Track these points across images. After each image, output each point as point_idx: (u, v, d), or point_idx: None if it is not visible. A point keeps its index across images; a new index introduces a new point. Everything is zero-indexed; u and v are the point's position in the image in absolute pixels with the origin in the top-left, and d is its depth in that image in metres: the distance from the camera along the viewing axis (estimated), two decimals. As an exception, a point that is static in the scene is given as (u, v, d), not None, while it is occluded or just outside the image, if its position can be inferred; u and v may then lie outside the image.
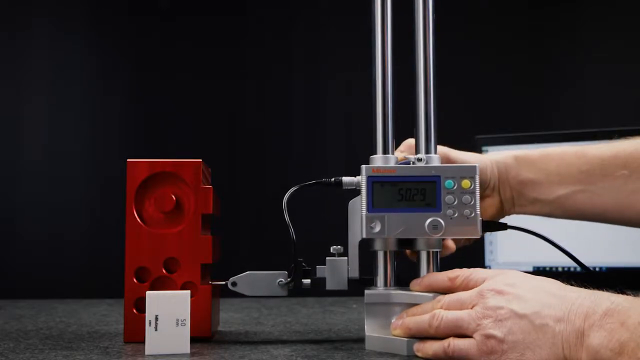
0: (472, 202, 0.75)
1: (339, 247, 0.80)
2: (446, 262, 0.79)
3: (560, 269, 1.37)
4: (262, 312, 1.18)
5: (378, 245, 0.78)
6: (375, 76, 0.80)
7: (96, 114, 1.84)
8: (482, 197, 0.85)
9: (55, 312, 1.18)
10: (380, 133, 0.79)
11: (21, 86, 1.83)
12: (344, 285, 0.80)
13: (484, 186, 0.85)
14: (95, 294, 1.46)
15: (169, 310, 0.72)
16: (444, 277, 0.72)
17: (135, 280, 0.81)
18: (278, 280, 0.80)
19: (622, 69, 1.82)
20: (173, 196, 0.82)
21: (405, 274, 0.79)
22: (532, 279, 0.67)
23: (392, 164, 0.78)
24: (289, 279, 0.80)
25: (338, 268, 0.79)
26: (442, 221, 0.75)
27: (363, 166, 0.76)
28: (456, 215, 0.75)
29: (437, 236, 0.75)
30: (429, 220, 0.75)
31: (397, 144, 0.81)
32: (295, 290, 0.81)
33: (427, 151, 0.79)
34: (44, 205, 1.79)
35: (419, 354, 0.70)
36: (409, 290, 0.75)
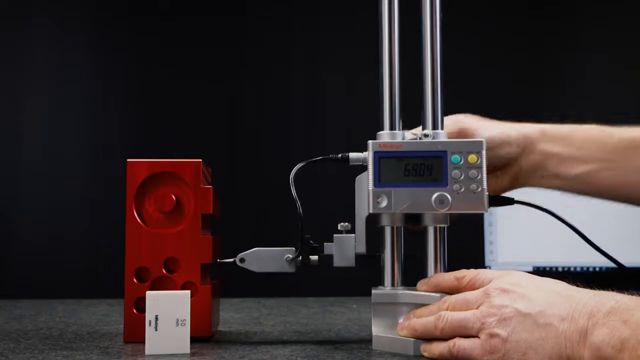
0: (478, 177, 0.75)
1: (346, 224, 0.80)
2: (448, 262, 0.79)
3: (560, 269, 1.37)
4: (262, 312, 1.18)
5: (385, 221, 0.78)
6: (382, 52, 0.80)
7: (96, 114, 1.84)
8: (501, 167, 0.85)
9: (55, 312, 1.18)
10: (387, 109, 0.79)
11: (21, 86, 1.83)
12: (351, 262, 0.80)
13: (502, 155, 0.84)
14: (95, 294, 1.46)
15: (169, 310, 0.72)
16: (450, 277, 0.73)
17: (135, 280, 0.81)
18: (286, 257, 0.81)
19: (622, 69, 1.82)
20: (173, 196, 0.82)
21: (412, 273, 0.79)
22: (539, 280, 0.67)
23: (399, 139, 0.78)
24: (296, 254, 0.80)
25: (345, 244, 0.80)
26: (448, 196, 0.75)
27: (370, 141, 0.77)
28: (463, 190, 0.75)
29: (444, 211, 0.75)
30: (435, 195, 0.75)
31: (403, 120, 0.81)
32: (302, 267, 0.81)
33: (434, 127, 0.79)
34: (44, 205, 1.79)
35: (426, 354, 0.70)
36: (416, 290, 0.75)
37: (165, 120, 1.85)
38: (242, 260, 0.82)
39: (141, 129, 1.84)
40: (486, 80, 1.83)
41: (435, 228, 0.77)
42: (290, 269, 0.81)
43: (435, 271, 0.77)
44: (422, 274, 0.77)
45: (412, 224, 0.79)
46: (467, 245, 1.47)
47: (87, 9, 1.87)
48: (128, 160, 0.83)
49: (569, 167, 0.84)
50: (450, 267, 0.77)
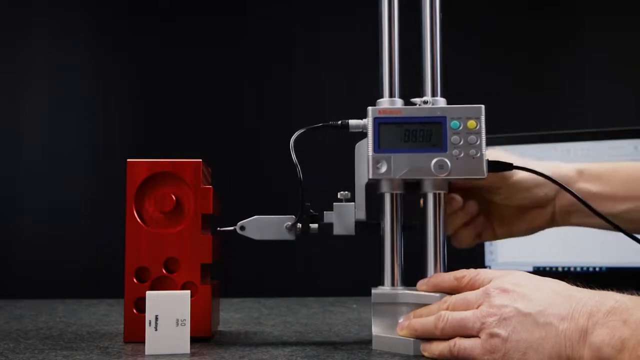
0: (477, 142, 0.75)
1: (346, 192, 0.80)
2: (448, 263, 0.79)
3: (560, 269, 1.37)
4: (262, 312, 1.18)
5: (384, 187, 0.78)
6: (382, 19, 0.80)
7: (96, 114, 1.84)
8: (533, 207, 0.85)
9: (55, 312, 1.18)
10: (387, 76, 0.80)
11: (21, 86, 1.83)
12: (351, 230, 0.80)
13: (539, 196, 0.84)
14: (95, 294, 1.46)
15: (169, 310, 0.72)
16: (450, 277, 0.73)
17: (135, 280, 0.81)
18: (285, 224, 0.81)
19: (622, 69, 1.82)
20: (173, 196, 0.82)
21: (411, 273, 0.79)
22: (539, 279, 0.67)
23: (398, 106, 0.78)
24: (296, 221, 0.80)
25: (345, 213, 0.80)
26: (448, 161, 0.75)
27: (369, 108, 0.77)
28: (462, 155, 0.75)
29: (443, 176, 0.75)
30: (434, 160, 0.75)
31: (403, 88, 0.81)
32: (303, 236, 0.81)
33: (433, 94, 0.79)
34: (44, 205, 1.79)
35: (426, 354, 0.70)
36: (416, 289, 0.75)
37: (165, 120, 1.85)
38: (242, 228, 0.82)
39: (141, 129, 1.84)
40: (486, 80, 1.83)
41: (434, 194, 0.77)
42: (290, 236, 0.81)
43: (435, 269, 0.77)
44: (422, 273, 0.77)
45: (411, 191, 0.79)
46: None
47: (87, 9, 1.87)
48: (128, 160, 0.83)
49: (610, 206, 0.83)
50: (450, 267, 0.77)
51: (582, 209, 0.81)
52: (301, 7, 1.90)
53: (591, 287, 0.64)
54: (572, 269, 1.36)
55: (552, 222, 0.87)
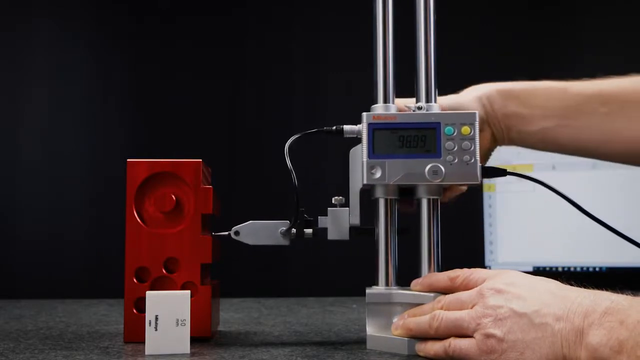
0: (471, 148, 0.76)
1: (340, 197, 0.80)
2: (446, 263, 0.79)
3: (560, 269, 1.37)
4: (262, 312, 1.18)
5: (379, 193, 0.78)
6: (376, 24, 0.80)
7: (96, 114, 1.84)
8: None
9: (55, 312, 1.18)
10: (381, 82, 0.80)
11: (21, 86, 1.83)
12: (345, 235, 0.80)
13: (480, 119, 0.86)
14: (95, 294, 1.46)
15: (169, 310, 0.72)
16: (444, 276, 0.73)
17: (135, 280, 0.81)
18: (280, 229, 0.81)
19: (622, 69, 1.82)
20: (173, 196, 0.82)
21: (405, 273, 0.79)
22: (532, 279, 0.67)
23: (392, 112, 0.79)
24: (290, 226, 0.80)
25: (339, 218, 0.80)
26: (442, 167, 0.75)
27: (364, 113, 0.78)
28: (456, 161, 0.76)
29: (437, 182, 0.75)
30: (429, 166, 0.75)
31: (397, 93, 0.82)
32: (297, 241, 0.81)
33: (428, 100, 0.80)
34: (44, 205, 1.79)
35: (421, 354, 0.70)
36: (410, 289, 0.76)
37: (165, 120, 1.84)
38: (236, 233, 0.82)
39: (141, 129, 1.84)
40: (486, 81, 1.82)
41: (428, 200, 0.77)
42: (284, 241, 0.82)
43: (429, 269, 0.77)
44: (417, 273, 0.77)
45: (405, 196, 0.79)
46: (467, 245, 1.47)
47: (87, 9, 1.87)
48: (128, 160, 0.83)
49: (527, 125, 0.87)
50: (449, 266, 0.77)
51: (520, 127, 0.86)
52: (301, 7, 1.90)
53: (585, 286, 0.64)
54: (572, 269, 1.36)
55: (496, 142, 0.89)
